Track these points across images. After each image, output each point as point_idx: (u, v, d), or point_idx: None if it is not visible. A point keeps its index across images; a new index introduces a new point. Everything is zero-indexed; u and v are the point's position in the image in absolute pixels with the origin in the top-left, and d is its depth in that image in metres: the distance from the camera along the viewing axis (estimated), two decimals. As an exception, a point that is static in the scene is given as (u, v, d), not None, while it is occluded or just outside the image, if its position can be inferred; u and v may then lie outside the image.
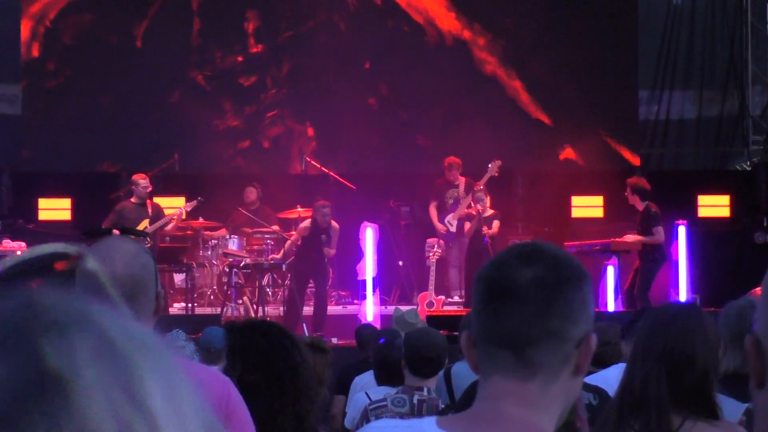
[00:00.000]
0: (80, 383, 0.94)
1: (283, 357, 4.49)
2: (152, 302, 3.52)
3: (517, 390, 2.28)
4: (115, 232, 15.57)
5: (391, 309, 15.78)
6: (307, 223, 17.54)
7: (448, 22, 22.45)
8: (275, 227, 18.18)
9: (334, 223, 17.57)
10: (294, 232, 17.87)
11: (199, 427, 1.00)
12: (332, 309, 18.78)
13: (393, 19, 22.26)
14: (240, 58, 21.98)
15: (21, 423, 0.89)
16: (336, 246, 17.73)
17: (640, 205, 17.12)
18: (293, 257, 17.54)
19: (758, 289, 9.41)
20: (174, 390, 0.99)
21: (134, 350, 0.99)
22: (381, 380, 8.32)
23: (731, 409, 4.72)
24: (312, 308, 17.45)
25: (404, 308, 13.80)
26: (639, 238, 17.15)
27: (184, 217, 18.25)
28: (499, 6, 22.29)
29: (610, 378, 5.82)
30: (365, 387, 8.79)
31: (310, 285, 17.98)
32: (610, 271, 17.16)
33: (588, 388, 5.79)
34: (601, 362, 6.88)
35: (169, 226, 17.93)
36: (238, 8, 22.00)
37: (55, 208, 20.08)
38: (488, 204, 17.95)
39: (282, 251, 17.80)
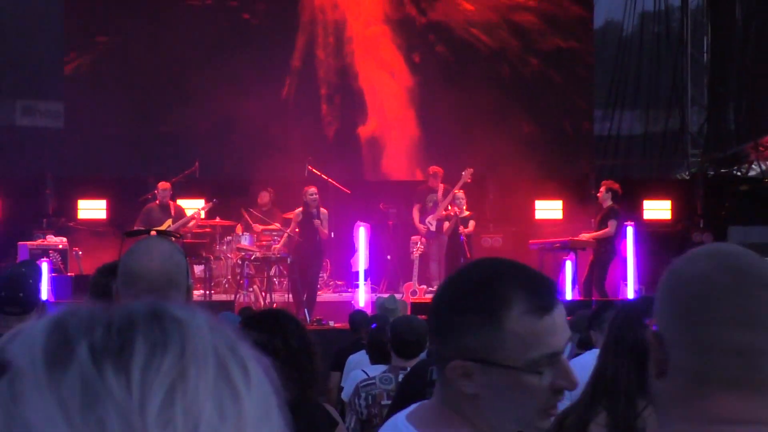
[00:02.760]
0: (193, 324, 0.98)
1: (291, 336, 4.50)
2: (183, 295, 3.58)
3: (436, 385, 2.28)
4: (152, 233, 15.64)
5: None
6: (299, 210, 17.52)
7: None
8: (277, 224, 18.18)
9: (323, 209, 17.52)
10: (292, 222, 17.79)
11: None
12: (329, 296, 18.84)
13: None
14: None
15: (142, 330, 0.97)
16: (328, 228, 17.68)
17: (608, 203, 17.24)
18: (295, 247, 17.49)
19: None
20: (268, 402, 1.01)
21: (249, 357, 1.02)
22: (374, 359, 8.37)
23: None
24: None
25: (384, 295, 13.81)
26: (593, 234, 17.28)
27: (203, 216, 18.37)
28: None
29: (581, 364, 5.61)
30: (358, 365, 8.83)
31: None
32: (568, 266, 17.21)
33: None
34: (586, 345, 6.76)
35: (190, 224, 18.04)
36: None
37: (92, 209, 20.07)
38: (465, 206, 18.00)
39: (281, 241, 17.77)
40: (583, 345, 6.72)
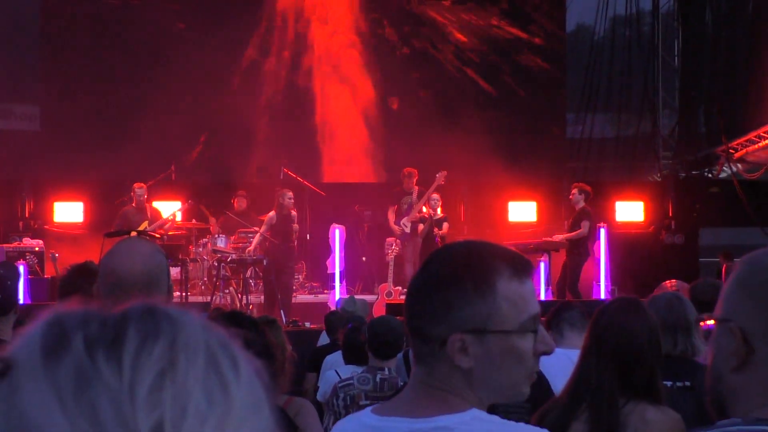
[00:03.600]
0: (185, 319, 1.03)
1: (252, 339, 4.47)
2: (164, 294, 3.57)
3: (416, 372, 2.29)
4: (132, 234, 15.58)
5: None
6: (272, 213, 17.46)
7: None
8: (257, 228, 18.15)
9: (292, 211, 17.58)
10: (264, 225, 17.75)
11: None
12: (305, 297, 18.81)
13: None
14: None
15: (135, 323, 1.01)
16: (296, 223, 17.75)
17: (580, 205, 17.31)
18: (270, 249, 17.41)
19: (668, 282, 9.48)
20: (258, 395, 1.05)
21: (239, 353, 1.07)
22: (348, 360, 8.34)
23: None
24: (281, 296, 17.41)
25: (345, 297, 13.77)
26: (566, 235, 17.34)
27: (178, 219, 18.33)
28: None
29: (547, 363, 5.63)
30: (334, 365, 8.80)
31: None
32: (542, 267, 17.26)
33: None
34: None
35: (166, 226, 17.99)
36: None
37: (69, 211, 19.94)
38: (440, 208, 18.00)
39: (253, 243, 17.66)
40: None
